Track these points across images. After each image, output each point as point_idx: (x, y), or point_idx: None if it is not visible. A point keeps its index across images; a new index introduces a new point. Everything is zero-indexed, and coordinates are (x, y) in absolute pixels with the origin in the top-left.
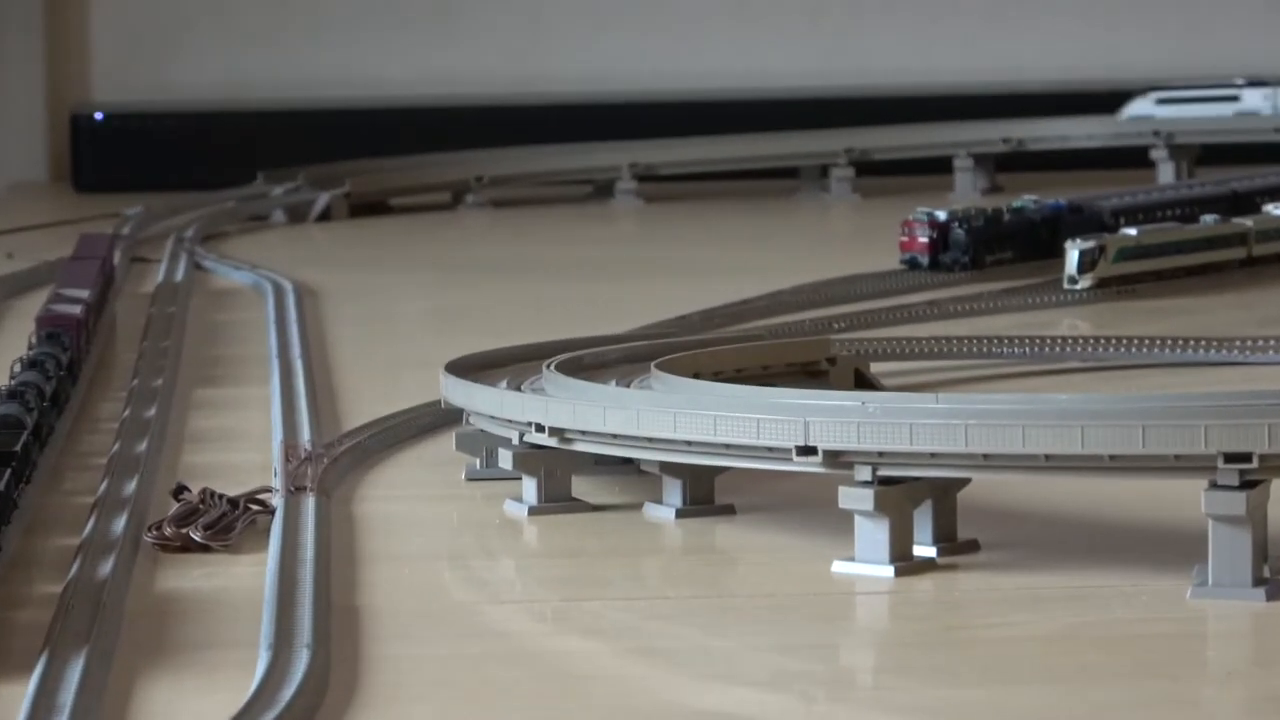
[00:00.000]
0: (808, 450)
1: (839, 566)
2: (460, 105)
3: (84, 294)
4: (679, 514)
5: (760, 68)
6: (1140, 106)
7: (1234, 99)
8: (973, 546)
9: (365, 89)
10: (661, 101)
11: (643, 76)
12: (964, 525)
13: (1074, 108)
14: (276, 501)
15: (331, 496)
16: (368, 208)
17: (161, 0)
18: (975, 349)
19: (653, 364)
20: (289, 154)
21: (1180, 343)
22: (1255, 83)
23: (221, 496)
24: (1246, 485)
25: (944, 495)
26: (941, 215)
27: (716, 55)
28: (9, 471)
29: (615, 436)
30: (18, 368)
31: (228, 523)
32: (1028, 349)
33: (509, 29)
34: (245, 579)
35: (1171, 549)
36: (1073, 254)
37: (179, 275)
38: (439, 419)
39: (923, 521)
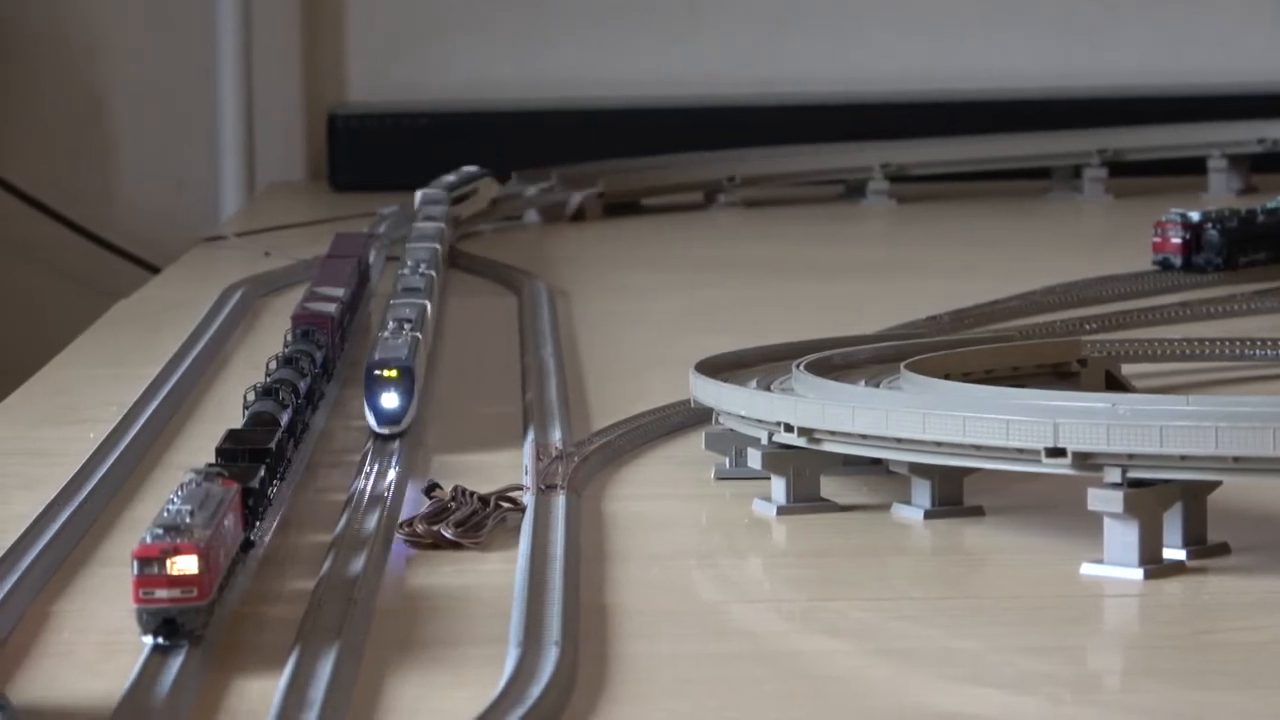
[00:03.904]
0: (1057, 452)
1: (1088, 569)
2: (712, 105)
3: (339, 292)
4: (927, 515)
5: (1011, 68)
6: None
7: None
8: (1224, 550)
9: (616, 89)
10: (913, 102)
11: (893, 77)
12: (1214, 528)
13: None
14: (527, 499)
15: (581, 495)
16: (621, 207)
17: (416, 1)
18: (1227, 351)
19: (902, 364)
20: (541, 154)
21: None
22: None
23: (473, 494)
24: None
25: (1194, 498)
26: (1195, 216)
27: (968, 56)
28: (263, 467)
29: (864, 437)
30: (273, 364)
31: (478, 520)
32: None
33: (758, 29)
34: (495, 576)
35: None
36: None
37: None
38: (688, 418)
39: (1173, 524)
